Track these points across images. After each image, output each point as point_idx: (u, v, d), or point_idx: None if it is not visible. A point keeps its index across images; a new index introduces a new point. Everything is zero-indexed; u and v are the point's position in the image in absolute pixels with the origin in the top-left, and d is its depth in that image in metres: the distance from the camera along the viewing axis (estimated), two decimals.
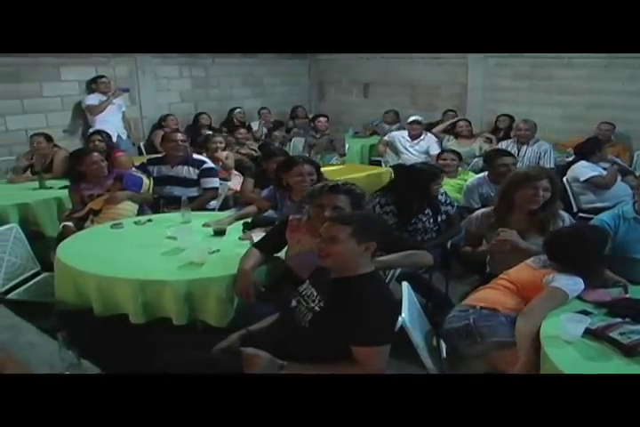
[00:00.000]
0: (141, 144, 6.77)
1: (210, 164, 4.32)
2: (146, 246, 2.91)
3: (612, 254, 2.60)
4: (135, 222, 3.35)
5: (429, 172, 3.43)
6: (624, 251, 2.70)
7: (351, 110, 8.49)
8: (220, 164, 4.88)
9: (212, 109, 7.38)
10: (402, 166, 3.81)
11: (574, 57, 6.41)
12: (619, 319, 2.04)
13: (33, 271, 3.24)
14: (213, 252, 2.77)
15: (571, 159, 4.98)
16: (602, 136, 5.66)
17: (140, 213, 3.70)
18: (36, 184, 4.37)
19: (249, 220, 3.22)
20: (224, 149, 5.18)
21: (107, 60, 6.61)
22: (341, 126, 7.89)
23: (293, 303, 2.08)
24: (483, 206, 3.43)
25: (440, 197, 3.50)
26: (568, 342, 1.93)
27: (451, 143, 6.04)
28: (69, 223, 3.58)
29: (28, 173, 4.77)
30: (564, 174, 4.61)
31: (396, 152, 6.24)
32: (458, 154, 4.80)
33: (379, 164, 6.30)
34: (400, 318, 2.05)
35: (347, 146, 6.55)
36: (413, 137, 6.14)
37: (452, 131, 6.23)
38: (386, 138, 6.44)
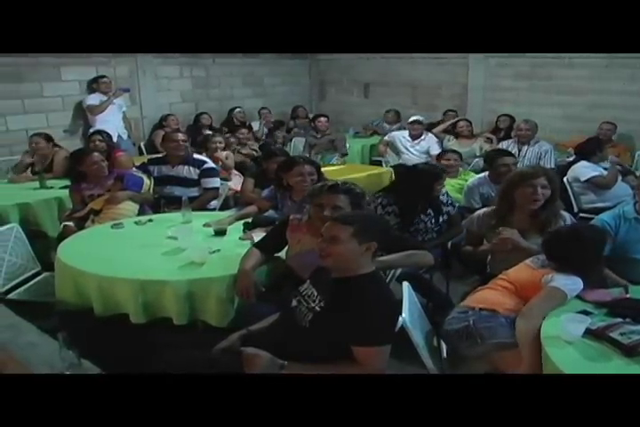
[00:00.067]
0: (142, 144, 6.77)
1: (210, 164, 4.32)
2: (146, 246, 2.91)
3: (613, 255, 2.61)
4: (136, 222, 3.35)
5: (432, 172, 3.42)
6: (625, 251, 2.70)
7: (352, 110, 8.48)
8: (220, 163, 4.88)
9: (212, 109, 7.38)
10: (404, 167, 3.81)
11: (575, 57, 6.41)
12: (619, 319, 2.04)
13: (33, 271, 3.24)
14: (214, 252, 2.77)
15: (571, 159, 4.97)
16: (603, 136, 5.66)
17: (140, 213, 3.70)
18: (37, 184, 4.37)
19: (249, 220, 3.22)
20: (224, 149, 5.19)
21: (107, 60, 6.62)
22: (342, 126, 7.89)
23: (294, 303, 2.08)
24: (483, 206, 3.43)
25: (442, 197, 3.50)
26: (568, 342, 1.93)
27: (451, 143, 6.03)
28: (70, 223, 3.59)
29: (29, 172, 4.77)
30: (565, 174, 4.61)
31: (397, 152, 6.24)
32: (459, 154, 4.80)
33: (379, 164, 6.29)
34: (400, 318, 2.05)
35: (347, 146, 6.55)
36: (414, 137, 6.14)
37: (452, 131, 6.24)
38: (386, 138, 6.43)
